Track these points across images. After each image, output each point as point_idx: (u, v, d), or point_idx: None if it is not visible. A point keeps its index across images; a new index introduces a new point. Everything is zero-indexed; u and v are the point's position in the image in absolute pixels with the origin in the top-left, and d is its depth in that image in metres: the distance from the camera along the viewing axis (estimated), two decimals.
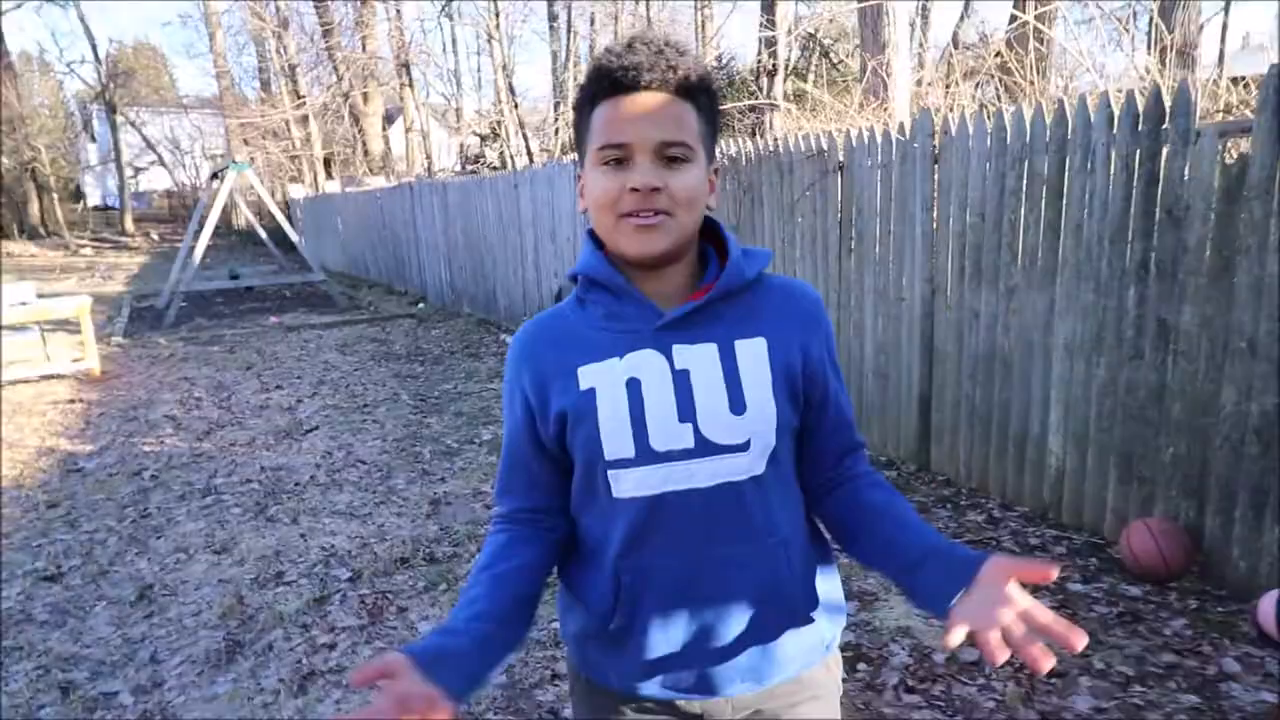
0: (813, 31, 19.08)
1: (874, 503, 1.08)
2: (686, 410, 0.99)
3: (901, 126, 4.14)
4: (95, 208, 36.84)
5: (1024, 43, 6.33)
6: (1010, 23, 7.91)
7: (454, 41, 25.09)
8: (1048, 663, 0.78)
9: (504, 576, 1.04)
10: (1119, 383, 3.35)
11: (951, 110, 5.42)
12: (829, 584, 1.12)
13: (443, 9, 19.52)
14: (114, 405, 6.47)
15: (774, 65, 11.74)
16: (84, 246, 26.30)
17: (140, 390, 6.92)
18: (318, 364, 7.65)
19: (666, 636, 1.04)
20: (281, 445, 5.15)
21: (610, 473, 1.00)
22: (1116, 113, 3.25)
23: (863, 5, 6.33)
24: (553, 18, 20.94)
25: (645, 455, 0.99)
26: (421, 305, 11.44)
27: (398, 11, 17.21)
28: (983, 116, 3.76)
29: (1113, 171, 3.30)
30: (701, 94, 0.99)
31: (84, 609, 3.23)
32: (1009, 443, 3.83)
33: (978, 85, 5.64)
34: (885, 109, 6.15)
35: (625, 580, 1.03)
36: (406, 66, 16.99)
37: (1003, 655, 0.80)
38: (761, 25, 11.07)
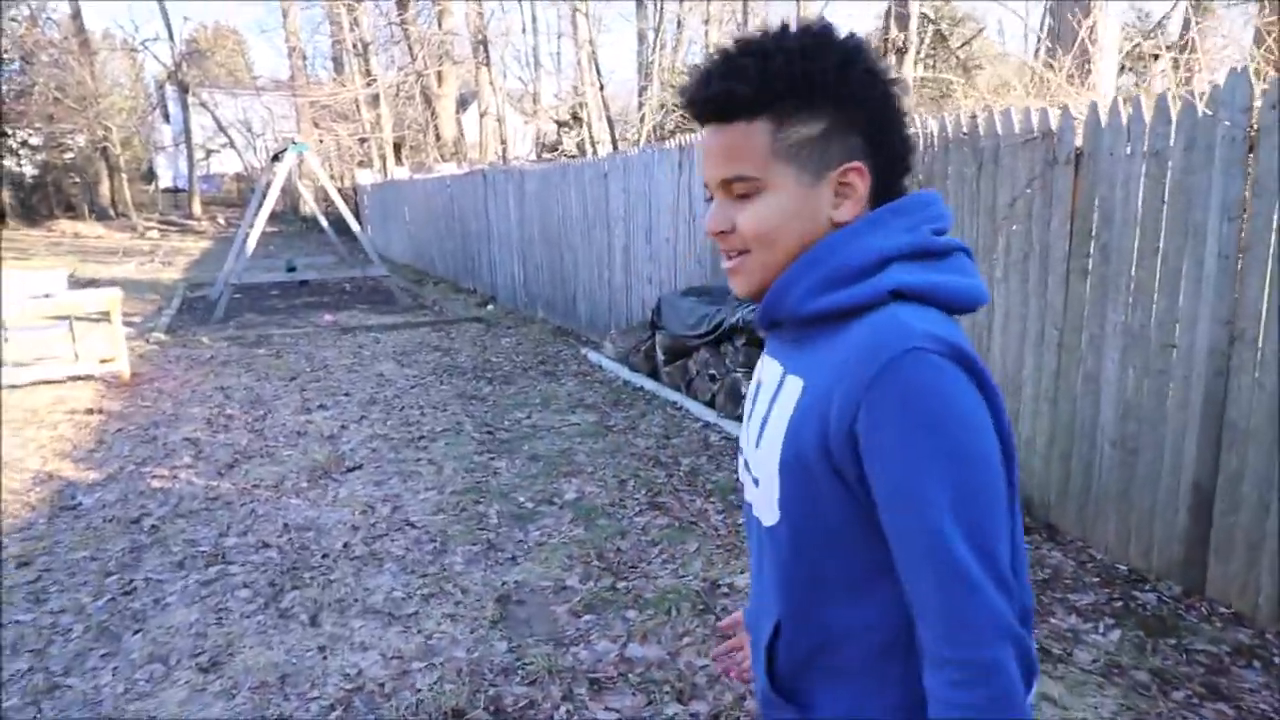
0: (929, 14, 17.69)
1: None
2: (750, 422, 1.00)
3: (1191, 98, 2.98)
4: (165, 189, 37.58)
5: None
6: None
7: (534, 20, 24.33)
8: None
9: None
10: None
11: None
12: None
13: None
14: (135, 419, 5.74)
15: (905, 41, 10.53)
16: (151, 229, 26.62)
17: (168, 401, 6.19)
18: (370, 377, 6.82)
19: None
20: (314, 490, 4.27)
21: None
22: None
23: None
24: None
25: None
26: (490, 307, 10.61)
27: None
28: None
29: None
30: (775, 98, 0.86)
31: None
32: None
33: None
34: (1090, 86, 4.96)
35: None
36: (485, 43, 16.28)
37: None
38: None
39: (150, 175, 38.55)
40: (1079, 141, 3.35)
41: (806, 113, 0.87)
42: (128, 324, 9.81)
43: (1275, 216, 2.76)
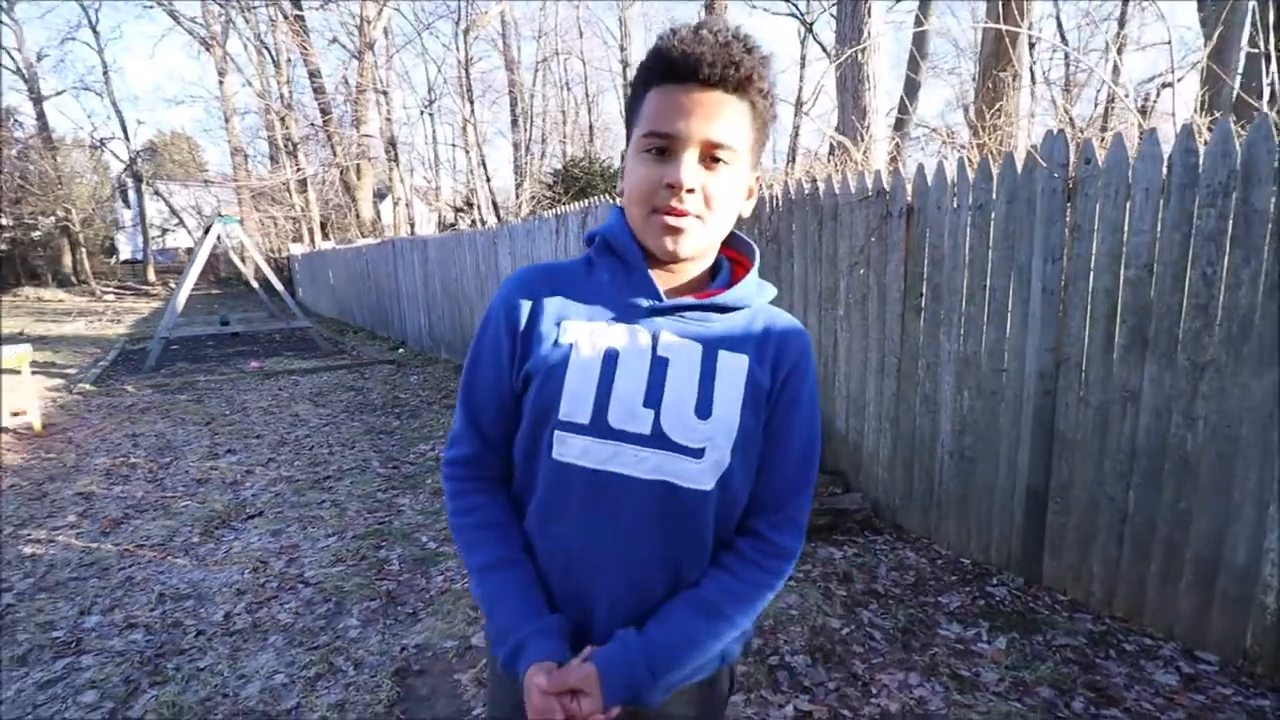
0: None
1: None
2: (654, 397, 0.68)
3: (1010, 159, 2.42)
4: (125, 261, 32.37)
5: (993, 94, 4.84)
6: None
7: (434, 133, 22.64)
8: None
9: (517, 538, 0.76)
10: None
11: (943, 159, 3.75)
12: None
13: (424, 109, 17.33)
14: (33, 473, 4.09)
15: None
16: (108, 293, 22.48)
17: (72, 453, 4.52)
18: (285, 418, 5.37)
19: (571, 611, 0.71)
20: (206, 545, 2.97)
21: (558, 433, 0.68)
22: None
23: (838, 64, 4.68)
24: (515, 119, 19.16)
25: (599, 427, 0.67)
26: (401, 350, 9.17)
27: (385, 96, 14.91)
28: (1154, 138, 2.07)
29: None
30: (760, 96, 0.67)
31: None
32: (1185, 566, 2.10)
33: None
34: (866, 157, 4.50)
35: (543, 546, 0.71)
36: (395, 145, 14.68)
37: None
38: None
39: (112, 249, 32.93)
40: (909, 198, 2.75)
41: (763, 116, 0.69)
42: (60, 375, 7.63)
43: (1092, 257, 2.22)
